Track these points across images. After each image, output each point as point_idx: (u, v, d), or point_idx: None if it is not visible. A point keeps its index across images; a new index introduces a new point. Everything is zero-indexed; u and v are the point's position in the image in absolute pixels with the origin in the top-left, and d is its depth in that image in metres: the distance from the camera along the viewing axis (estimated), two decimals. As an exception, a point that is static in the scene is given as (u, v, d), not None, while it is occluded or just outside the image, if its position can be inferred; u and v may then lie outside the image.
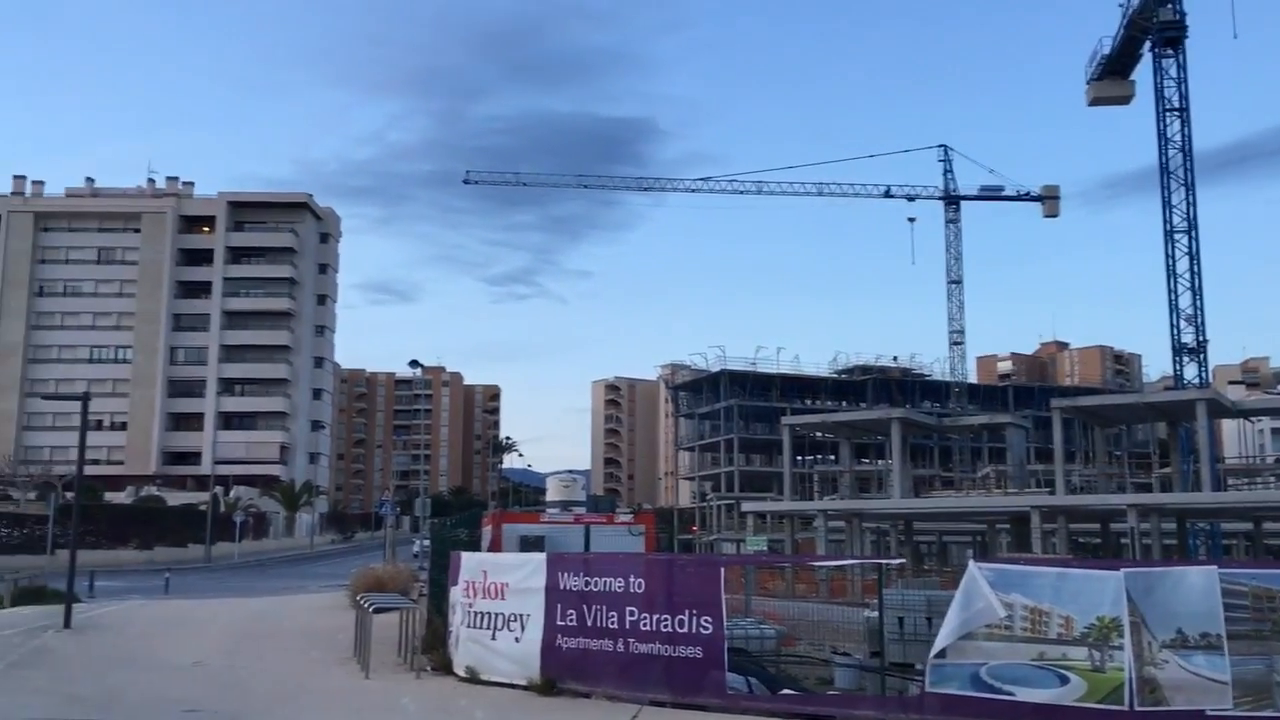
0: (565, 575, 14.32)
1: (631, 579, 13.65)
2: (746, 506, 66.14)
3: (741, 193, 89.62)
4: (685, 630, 12.97)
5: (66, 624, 21.37)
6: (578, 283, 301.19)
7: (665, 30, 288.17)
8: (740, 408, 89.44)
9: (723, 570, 13.61)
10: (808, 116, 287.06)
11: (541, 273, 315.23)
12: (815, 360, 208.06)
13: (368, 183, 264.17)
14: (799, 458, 65.88)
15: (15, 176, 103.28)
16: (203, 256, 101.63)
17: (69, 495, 47.74)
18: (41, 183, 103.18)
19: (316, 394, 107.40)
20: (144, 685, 15.45)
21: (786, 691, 12.91)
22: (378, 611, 17.25)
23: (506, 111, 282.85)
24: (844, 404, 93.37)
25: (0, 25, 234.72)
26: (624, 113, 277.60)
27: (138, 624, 23.64)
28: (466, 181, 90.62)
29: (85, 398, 23.63)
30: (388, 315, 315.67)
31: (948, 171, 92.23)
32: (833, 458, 76.67)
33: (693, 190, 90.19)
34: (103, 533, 57.43)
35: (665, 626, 13.13)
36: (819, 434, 73.88)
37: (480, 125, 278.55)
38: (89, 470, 56.41)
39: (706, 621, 12.85)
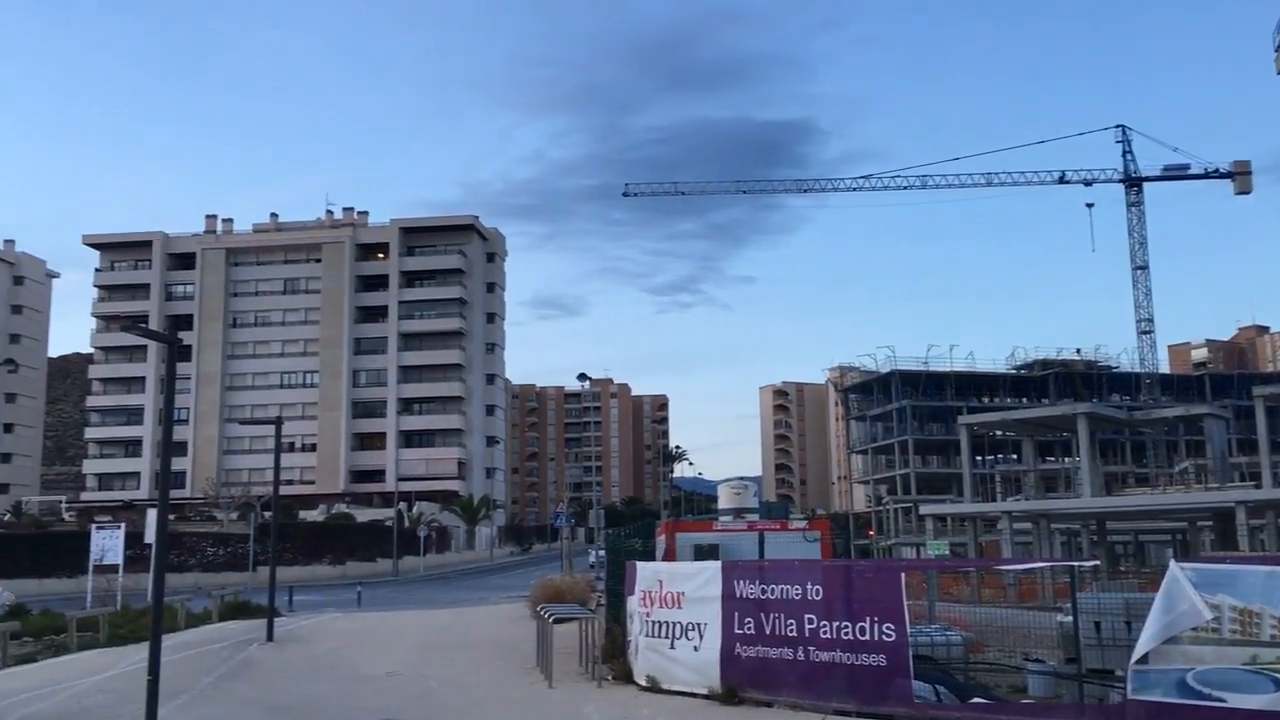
0: (741, 583, 14.16)
1: (809, 586, 13.37)
2: (925, 509, 64.35)
3: (905, 188, 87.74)
4: (867, 637, 12.60)
5: (269, 637, 22.49)
6: (741, 288, 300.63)
7: (821, 29, 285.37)
8: (914, 408, 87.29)
9: (903, 575, 13.17)
10: (972, 107, 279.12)
11: (705, 280, 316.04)
12: (991, 357, 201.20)
13: (531, 200, 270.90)
14: (978, 458, 63.81)
15: (208, 216, 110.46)
16: (379, 282, 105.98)
17: (267, 515, 50.44)
18: (230, 220, 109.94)
19: (490, 410, 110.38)
20: (342, 695, 16.09)
21: (977, 700, 12.38)
22: (558, 622, 17.47)
23: (664, 122, 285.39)
24: (1024, 401, 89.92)
25: (190, 76, 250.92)
26: (782, 115, 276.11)
27: (334, 636, 24.67)
28: (626, 194, 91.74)
29: (278, 422, 24.89)
30: (555, 330, 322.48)
31: (1127, 153, 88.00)
32: (1015, 457, 73.92)
33: (854, 189, 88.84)
34: (299, 549, 60.40)
35: (846, 634, 12.79)
36: (998, 433, 71.35)
37: (639, 137, 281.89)
38: (283, 490, 59.36)
39: (889, 628, 12.46)
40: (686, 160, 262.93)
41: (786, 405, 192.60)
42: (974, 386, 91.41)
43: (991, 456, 77.01)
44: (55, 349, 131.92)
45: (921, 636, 13.55)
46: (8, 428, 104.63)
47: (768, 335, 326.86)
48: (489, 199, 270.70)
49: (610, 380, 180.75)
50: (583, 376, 55.80)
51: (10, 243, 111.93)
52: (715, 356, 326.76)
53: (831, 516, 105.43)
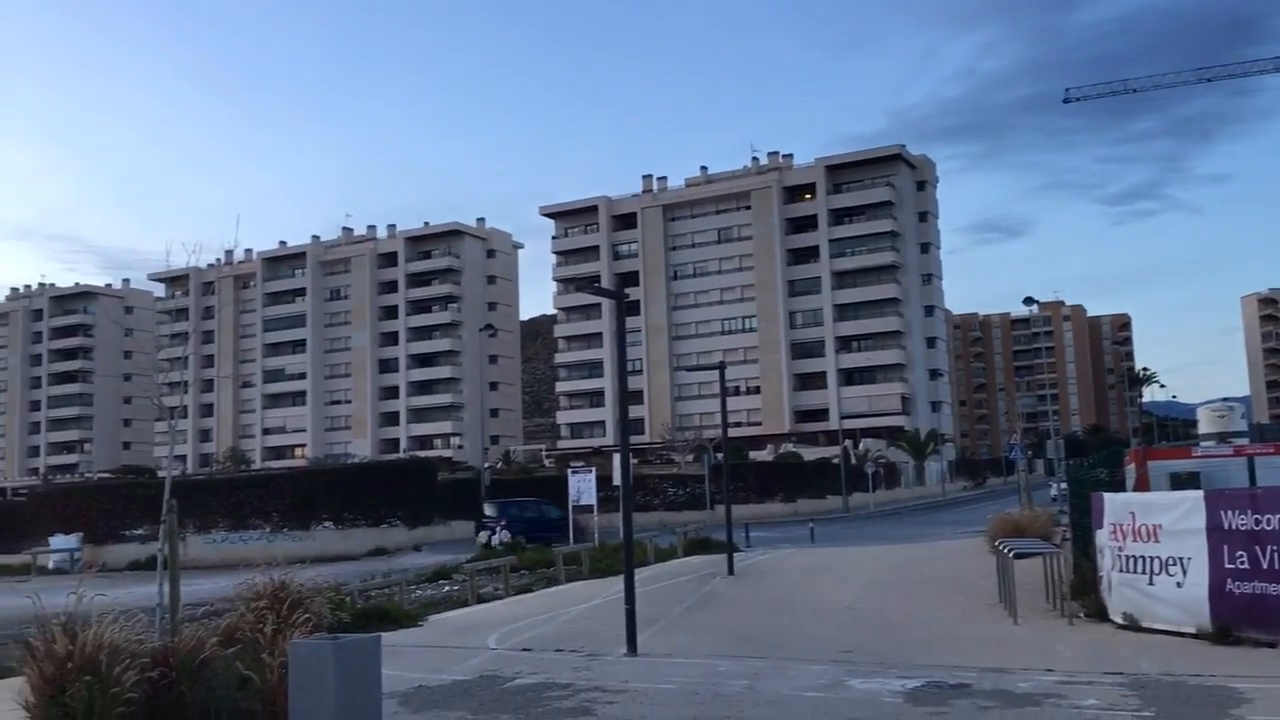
0: (1230, 514, 12.74)
1: (1317, 515, 11.72)
2: None
3: None
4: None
5: (730, 571, 23.56)
6: (1214, 188, 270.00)
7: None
8: None
9: None
10: None
11: (1168, 184, 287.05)
12: None
13: (962, 120, 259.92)
14: None
15: (644, 176, 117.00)
16: (807, 223, 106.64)
17: (719, 456, 52.87)
18: (664, 178, 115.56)
19: (930, 343, 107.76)
20: (801, 627, 16.46)
21: None
22: (1018, 557, 16.71)
23: (1110, 14, 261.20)
24: None
25: (620, 50, 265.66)
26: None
27: (790, 571, 25.35)
28: (1067, 100, 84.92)
29: (721, 367, 26.07)
30: (996, 254, 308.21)
31: None
32: None
33: (1346, 57, 75.75)
34: (750, 488, 62.74)
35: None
36: None
37: (1081, 35, 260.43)
38: (732, 432, 61.77)
39: None
40: (1138, 52, 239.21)
41: (1276, 315, 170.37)
42: None
43: None
44: (525, 313, 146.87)
45: None
46: (493, 386, 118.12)
47: (1248, 237, 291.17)
48: (916, 124, 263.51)
49: (1061, 302, 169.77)
50: (1029, 301, 52.73)
51: (481, 220, 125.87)
52: (1184, 267, 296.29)
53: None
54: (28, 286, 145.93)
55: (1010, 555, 16.71)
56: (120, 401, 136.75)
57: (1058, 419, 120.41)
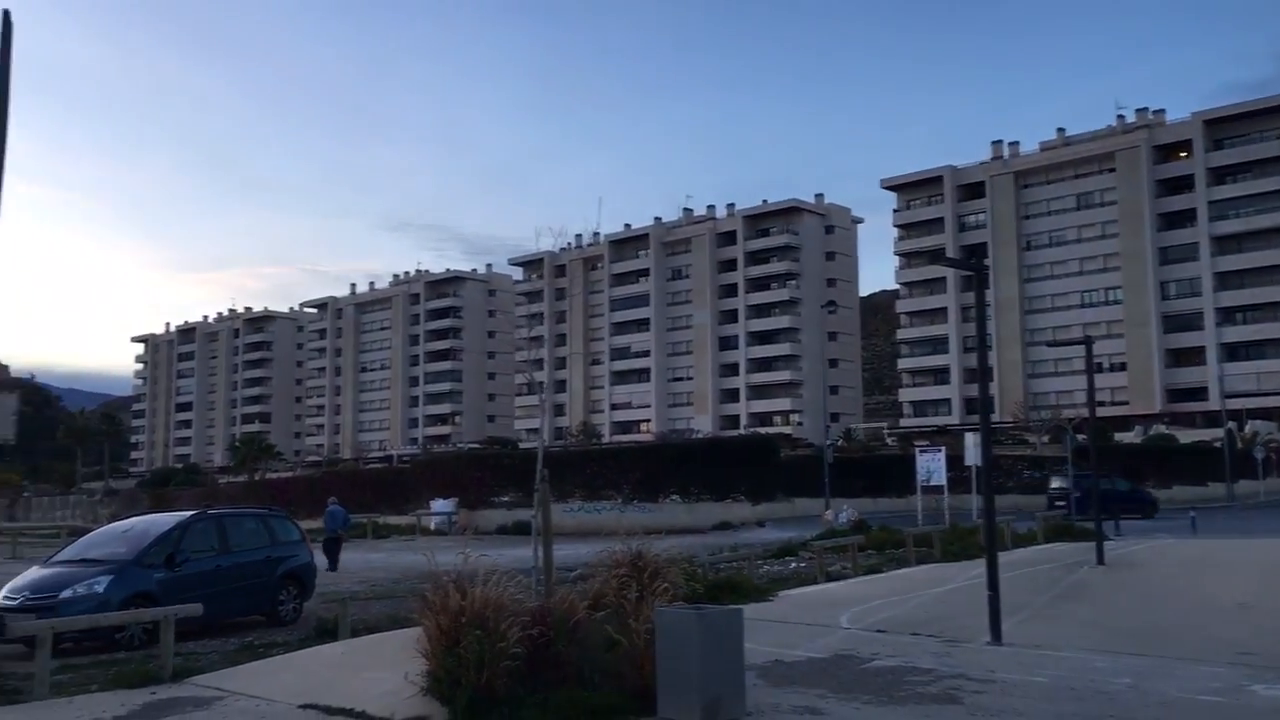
0: None
1: None
2: None
3: None
4: None
5: (1099, 560, 21.89)
6: None
7: None
8: None
9: None
10: None
11: None
12: None
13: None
14: None
15: (993, 142, 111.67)
16: (1182, 184, 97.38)
17: (1080, 437, 49.51)
18: (1016, 143, 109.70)
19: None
20: (1185, 623, 14.98)
21: None
22: None
23: None
24: None
25: (972, 11, 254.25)
26: None
27: (1168, 562, 23.24)
28: None
29: (1088, 342, 24.15)
30: None
31: None
32: None
33: None
34: (1116, 472, 58.31)
35: None
36: None
37: None
38: (1096, 412, 57.65)
39: None
40: None
41: None
42: None
43: None
44: (864, 288, 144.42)
45: None
46: (833, 363, 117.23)
47: None
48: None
49: None
50: None
51: (820, 196, 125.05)
52: None
53: None
54: (406, 273, 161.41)
55: None
56: (485, 378, 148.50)
57: None
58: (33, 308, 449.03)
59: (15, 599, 14.97)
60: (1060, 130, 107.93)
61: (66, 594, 14.82)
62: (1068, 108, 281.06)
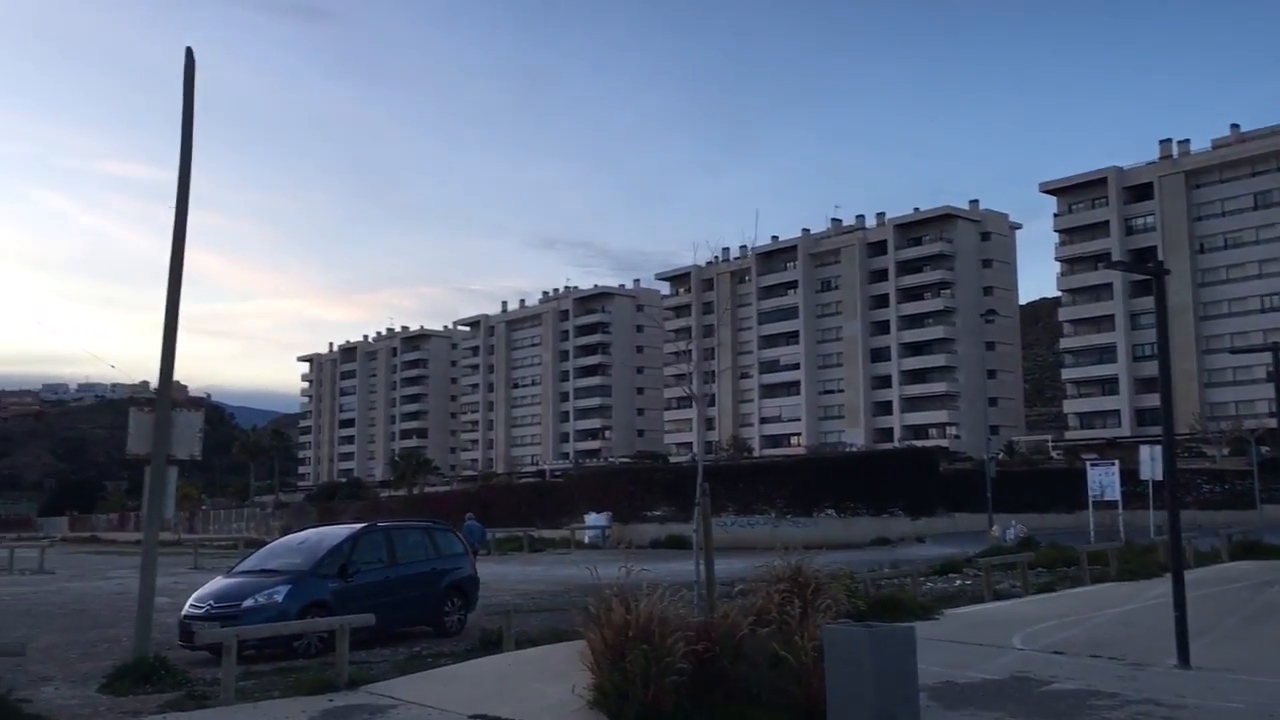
0: None
1: None
2: None
3: None
4: None
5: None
6: None
7: None
8: None
9: None
10: None
11: None
12: None
13: None
14: None
15: (1161, 142, 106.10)
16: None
17: (1263, 450, 46.66)
18: (1186, 142, 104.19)
19: None
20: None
21: None
22: None
23: None
24: None
25: (1117, 8, 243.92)
26: None
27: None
28: None
29: (1275, 349, 22.76)
30: None
31: None
32: None
33: None
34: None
35: None
36: None
37: None
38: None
39: None
40: None
41: None
42: None
43: None
44: (1024, 296, 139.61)
45: None
46: (991, 374, 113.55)
47: None
48: None
49: None
50: None
51: (974, 202, 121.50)
52: None
53: None
54: (555, 290, 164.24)
55: None
56: (634, 392, 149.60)
57: None
58: (207, 329, 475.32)
59: (201, 607, 15.77)
60: (1234, 126, 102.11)
61: (248, 603, 15.50)
62: (1242, 103, 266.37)
